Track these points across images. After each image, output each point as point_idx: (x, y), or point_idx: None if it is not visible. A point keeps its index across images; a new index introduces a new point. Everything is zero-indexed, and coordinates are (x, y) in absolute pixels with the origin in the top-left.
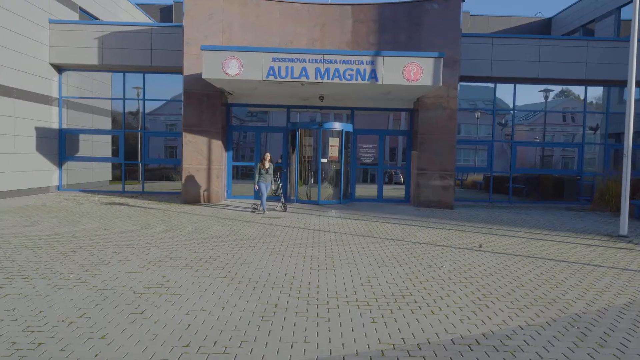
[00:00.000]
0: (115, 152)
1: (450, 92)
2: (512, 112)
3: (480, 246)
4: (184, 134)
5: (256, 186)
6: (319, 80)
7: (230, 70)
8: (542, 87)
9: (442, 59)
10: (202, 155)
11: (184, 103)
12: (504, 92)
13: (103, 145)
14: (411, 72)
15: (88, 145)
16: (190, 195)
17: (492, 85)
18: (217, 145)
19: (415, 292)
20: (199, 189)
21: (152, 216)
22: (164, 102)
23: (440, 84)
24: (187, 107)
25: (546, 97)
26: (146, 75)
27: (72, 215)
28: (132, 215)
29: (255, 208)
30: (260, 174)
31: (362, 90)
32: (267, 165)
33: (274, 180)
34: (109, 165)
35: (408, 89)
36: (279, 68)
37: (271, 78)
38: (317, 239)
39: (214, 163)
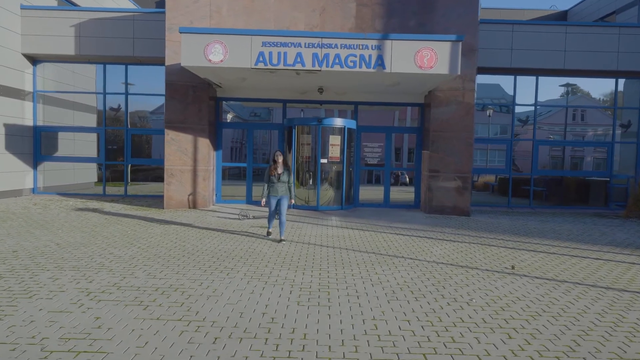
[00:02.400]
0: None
1: (466, 84)
2: (533, 107)
3: (513, 267)
4: (166, 131)
5: (263, 200)
6: (317, 68)
7: (214, 56)
8: (568, 79)
9: (460, 43)
10: (186, 155)
11: (166, 96)
12: (520, 86)
13: (86, 144)
14: (424, 58)
15: (69, 144)
16: (174, 200)
17: (507, 77)
18: (204, 143)
19: (441, 346)
20: (183, 192)
21: (122, 225)
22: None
23: (459, 72)
24: (169, 101)
25: (567, 93)
26: (128, 67)
27: (30, 225)
28: (99, 224)
29: (244, 216)
30: (270, 182)
31: (366, 80)
32: (279, 169)
33: (288, 193)
34: (93, 165)
35: (420, 79)
36: (270, 54)
37: (261, 65)
38: (311, 257)
39: (200, 164)
